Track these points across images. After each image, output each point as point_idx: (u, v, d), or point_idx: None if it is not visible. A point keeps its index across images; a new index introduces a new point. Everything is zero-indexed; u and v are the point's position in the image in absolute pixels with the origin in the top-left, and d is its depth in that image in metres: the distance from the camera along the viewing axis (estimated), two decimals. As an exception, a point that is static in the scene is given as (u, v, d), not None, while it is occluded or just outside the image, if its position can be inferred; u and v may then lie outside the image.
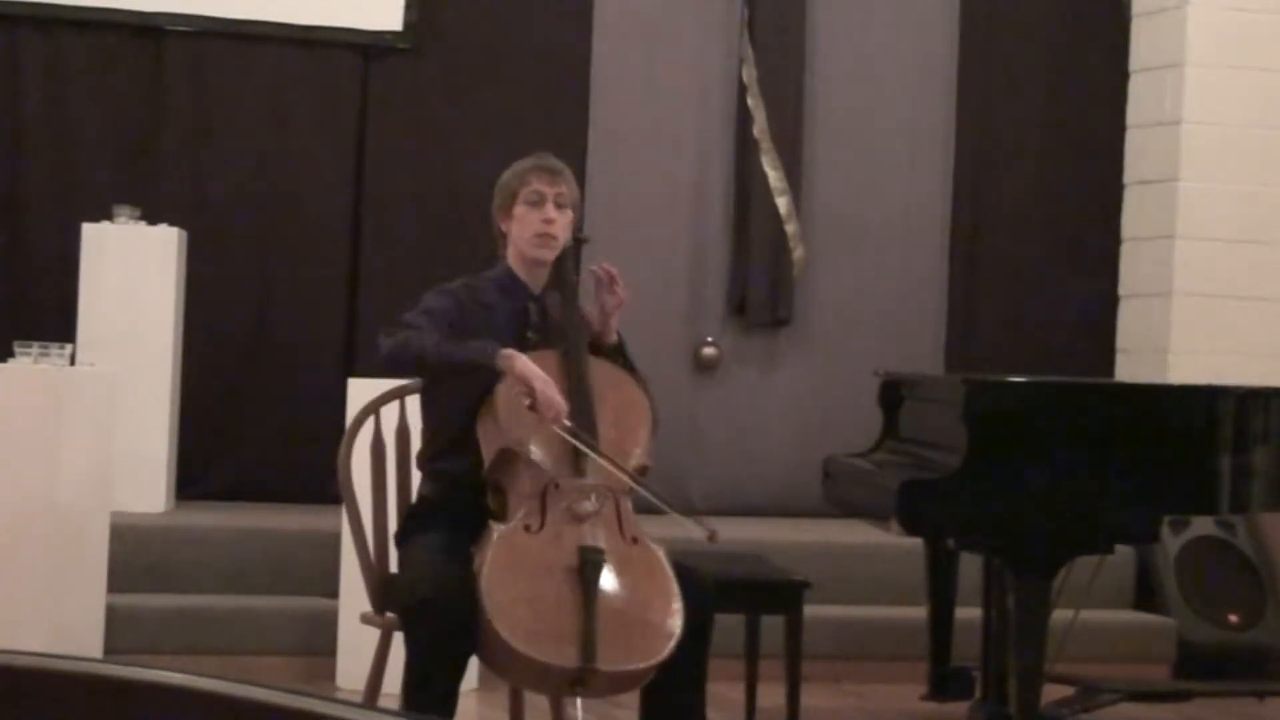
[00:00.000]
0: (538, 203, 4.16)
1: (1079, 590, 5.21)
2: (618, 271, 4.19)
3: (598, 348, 4.19)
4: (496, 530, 3.87)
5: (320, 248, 7.41)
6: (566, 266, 4.25)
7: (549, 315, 4.21)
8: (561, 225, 4.18)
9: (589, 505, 3.92)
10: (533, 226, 4.16)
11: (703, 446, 7.59)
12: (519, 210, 4.18)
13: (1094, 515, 4.84)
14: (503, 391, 3.96)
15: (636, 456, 4.10)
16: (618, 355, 4.21)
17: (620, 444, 4.06)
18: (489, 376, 3.94)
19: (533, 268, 4.21)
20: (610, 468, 3.97)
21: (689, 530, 4.02)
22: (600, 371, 4.12)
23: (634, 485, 4.02)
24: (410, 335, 3.99)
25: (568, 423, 3.91)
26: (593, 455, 3.95)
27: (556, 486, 3.94)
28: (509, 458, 3.98)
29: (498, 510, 3.98)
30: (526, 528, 3.88)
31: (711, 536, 3.97)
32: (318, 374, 7.23)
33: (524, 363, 3.92)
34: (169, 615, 6.15)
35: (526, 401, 3.89)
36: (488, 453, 3.99)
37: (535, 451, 3.97)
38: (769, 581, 5.08)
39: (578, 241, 4.39)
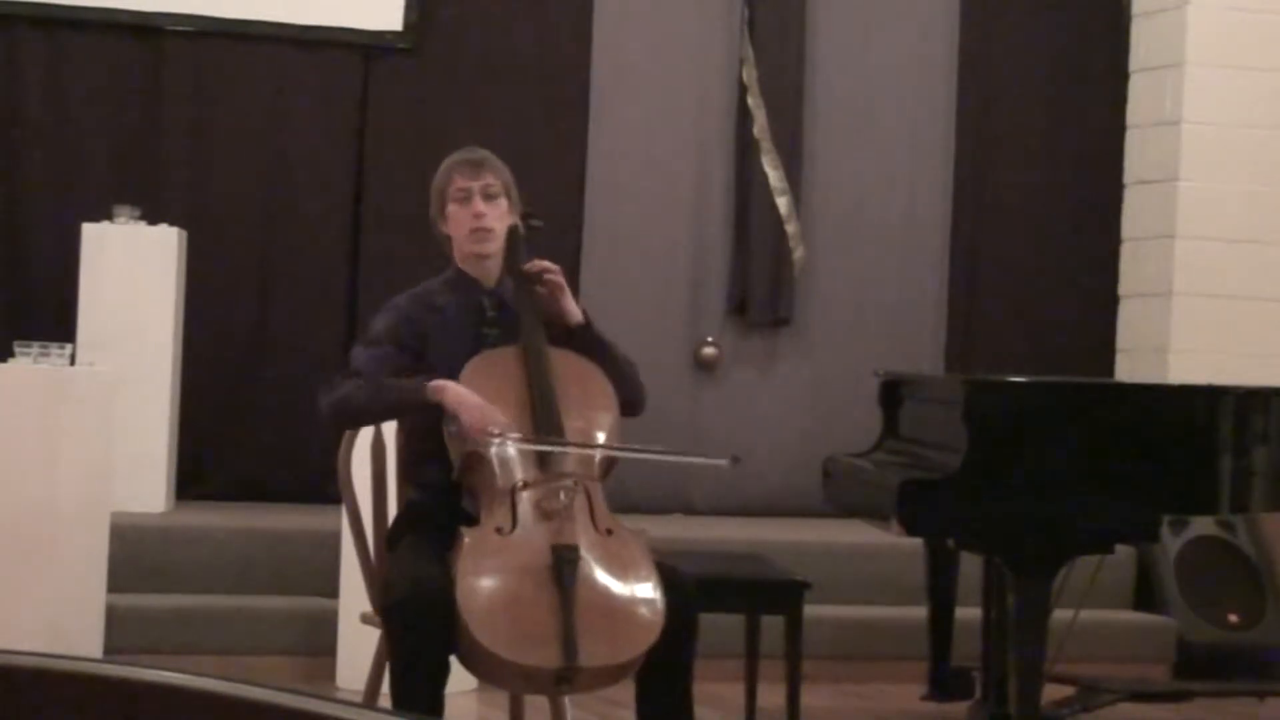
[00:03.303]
0: (465, 199, 4.15)
1: (1079, 590, 5.21)
2: (543, 263, 4.15)
3: (570, 332, 4.15)
4: (467, 536, 3.84)
5: (320, 248, 7.41)
6: (517, 254, 4.19)
7: (507, 306, 4.18)
8: (494, 216, 4.15)
9: (559, 501, 3.90)
10: (465, 224, 4.15)
11: (703, 446, 7.58)
12: (451, 210, 4.17)
13: (1094, 515, 4.84)
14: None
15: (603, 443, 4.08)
16: (586, 334, 4.16)
17: (586, 433, 4.03)
18: (429, 410, 3.93)
19: (479, 263, 4.19)
20: (577, 450, 3.96)
21: (708, 463, 3.97)
22: (562, 361, 4.09)
23: (616, 451, 3.99)
24: (345, 391, 4.00)
25: (494, 432, 3.87)
26: (555, 449, 3.93)
27: (525, 485, 3.91)
28: (476, 461, 3.96)
29: (475, 513, 3.97)
30: (498, 530, 3.85)
31: (734, 460, 3.95)
32: (318, 373, 7.21)
33: (451, 393, 3.91)
34: (169, 615, 6.15)
35: (452, 429, 3.89)
36: (456, 457, 3.98)
37: (499, 452, 3.96)
38: (769, 581, 5.07)
39: (529, 228, 4.28)
